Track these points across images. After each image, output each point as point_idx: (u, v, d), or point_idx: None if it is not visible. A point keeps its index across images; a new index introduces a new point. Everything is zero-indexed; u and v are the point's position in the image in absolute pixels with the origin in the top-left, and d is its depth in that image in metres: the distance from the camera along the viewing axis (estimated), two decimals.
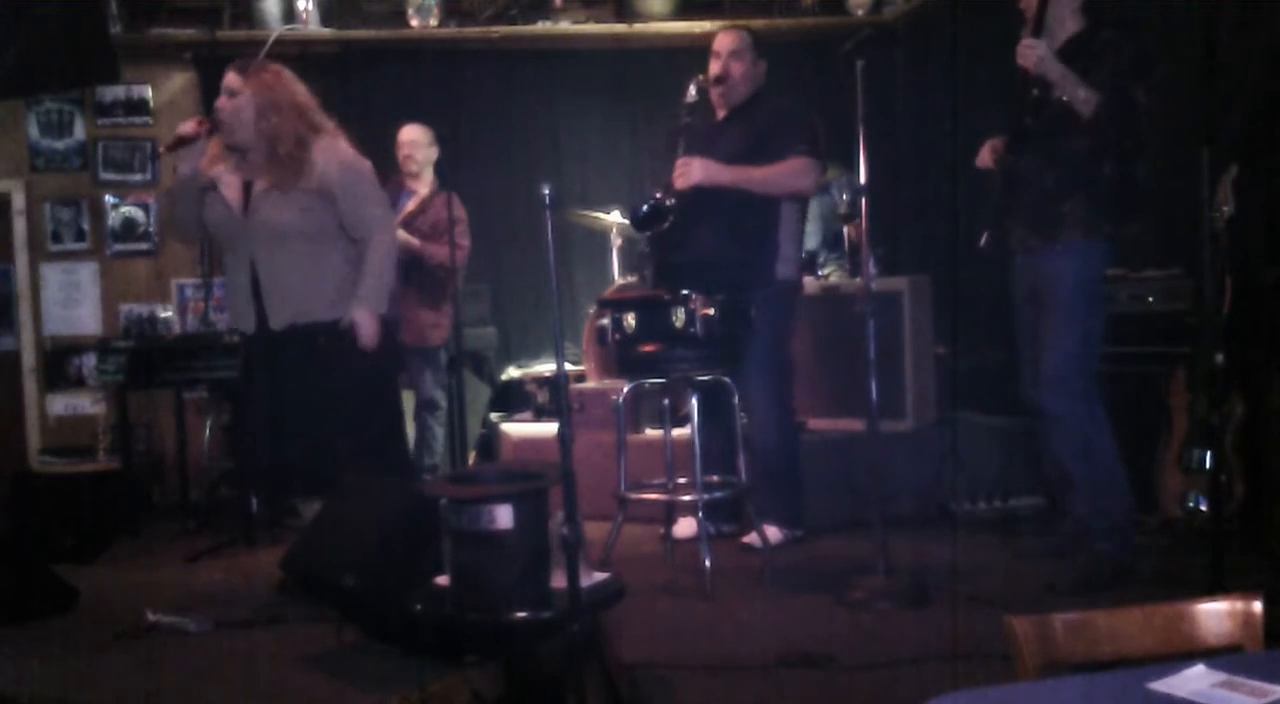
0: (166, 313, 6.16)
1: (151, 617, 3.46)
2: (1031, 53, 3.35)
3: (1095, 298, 3.56)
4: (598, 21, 6.24)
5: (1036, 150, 3.49)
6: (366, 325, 3.77)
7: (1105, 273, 3.66)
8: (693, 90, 4.17)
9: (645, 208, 4.06)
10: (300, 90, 3.85)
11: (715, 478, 4.05)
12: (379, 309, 3.82)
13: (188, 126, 3.81)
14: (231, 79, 3.79)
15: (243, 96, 3.76)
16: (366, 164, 3.88)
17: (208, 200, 3.86)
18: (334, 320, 3.80)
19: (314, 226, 3.77)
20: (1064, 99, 3.36)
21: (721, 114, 4.31)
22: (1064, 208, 3.48)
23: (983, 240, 3.59)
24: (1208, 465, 3.76)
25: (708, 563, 3.59)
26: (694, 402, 3.75)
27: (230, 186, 3.82)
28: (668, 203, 4.07)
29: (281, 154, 3.73)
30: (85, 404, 6.09)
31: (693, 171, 4.09)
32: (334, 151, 3.80)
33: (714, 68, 4.24)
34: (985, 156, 3.67)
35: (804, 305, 4.55)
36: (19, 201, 6.06)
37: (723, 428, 3.99)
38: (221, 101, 3.79)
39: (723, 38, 4.30)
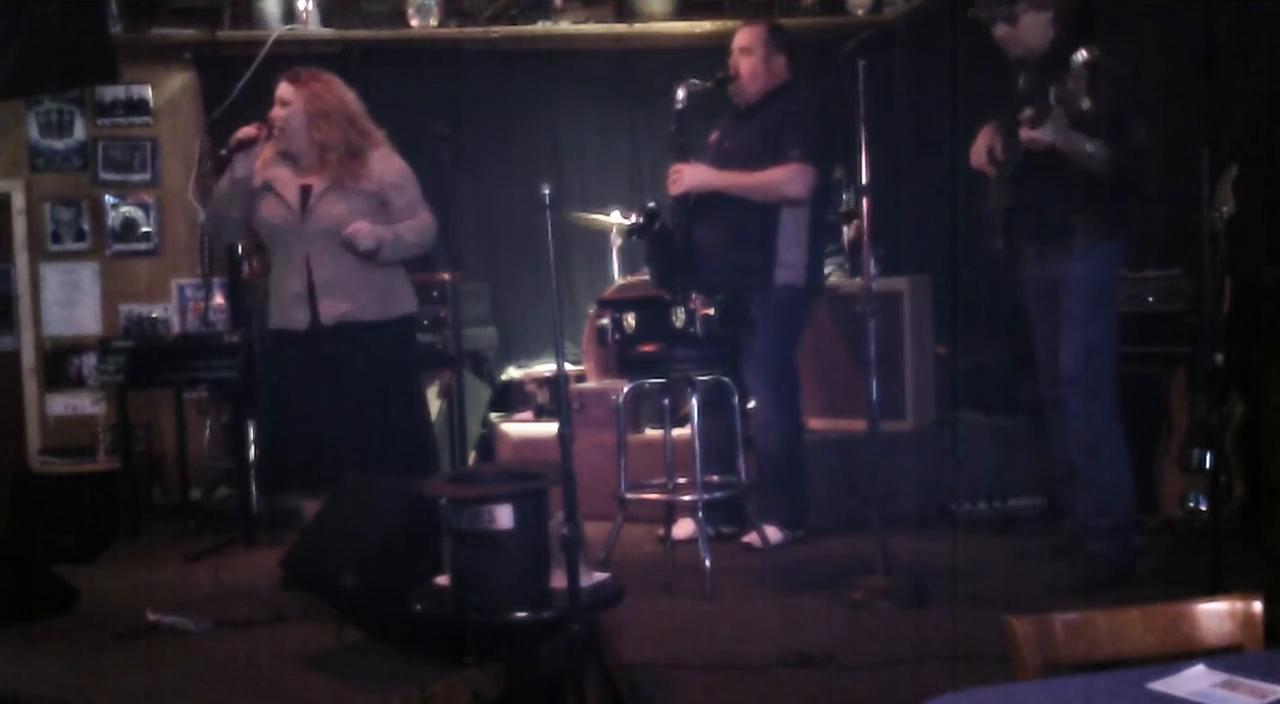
0: (166, 313, 6.16)
1: (151, 617, 3.46)
2: (1041, 141, 3.36)
3: (1109, 299, 3.59)
4: (598, 21, 6.23)
5: (1040, 175, 3.50)
6: (365, 234, 3.75)
7: (1118, 274, 3.69)
8: (681, 94, 4.17)
9: (638, 221, 4.09)
10: (350, 98, 3.96)
11: (715, 478, 4.05)
12: (384, 249, 3.80)
13: (247, 130, 3.90)
14: (284, 89, 3.91)
15: (294, 106, 3.86)
16: (413, 174, 3.99)
17: (262, 201, 3.94)
18: (381, 321, 3.88)
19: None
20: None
21: (742, 109, 4.34)
22: (1073, 220, 3.51)
23: (999, 245, 3.62)
24: (1208, 465, 3.76)
25: (708, 563, 3.59)
26: (694, 401, 3.75)
27: (288, 187, 3.90)
28: (650, 205, 4.11)
29: (333, 160, 3.84)
30: (85, 404, 6.09)
31: (683, 177, 4.14)
32: (390, 160, 3.93)
33: (730, 64, 4.28)
34: (980, 156, 3.67)
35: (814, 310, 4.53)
36: (19, 201, 6.05)
37: (724, 427, 3.99)
38: (275, 111, 3.90)
39: (737, 34, 4.36)
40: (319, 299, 3.85)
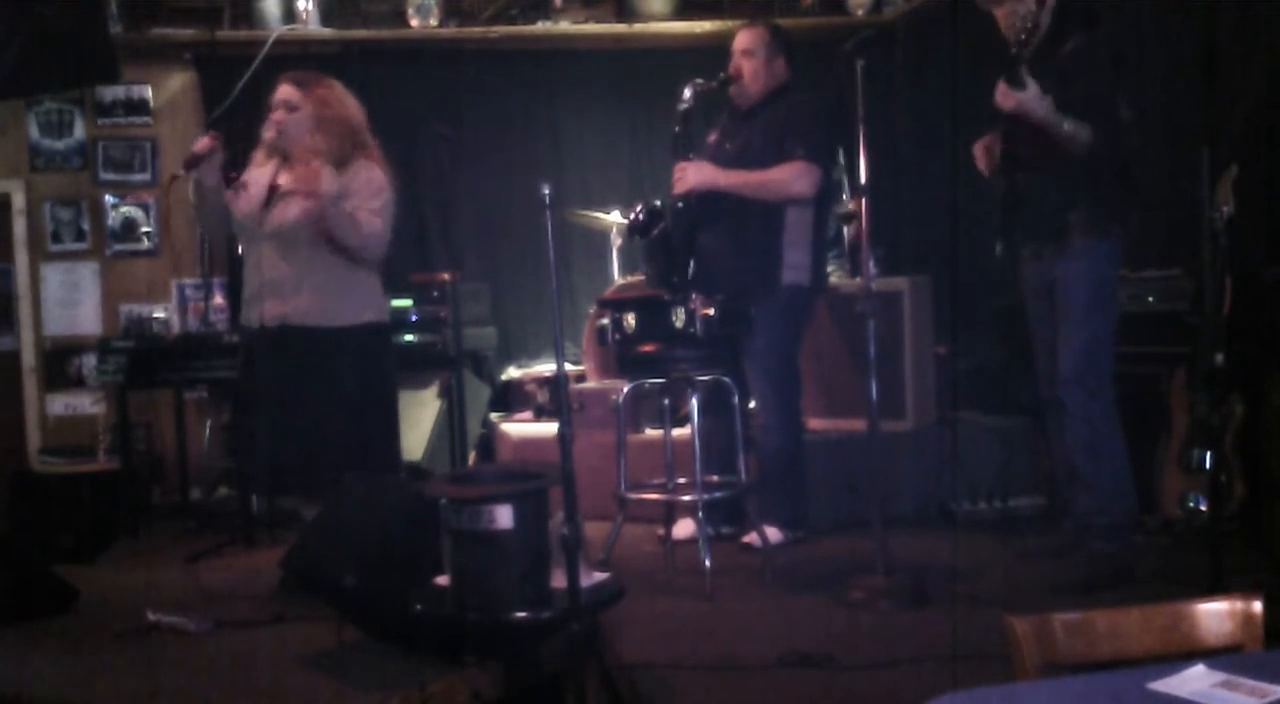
0: (166, 313, 6.16)
1: (151, 617, 3.46)
2: (1010, 100, 3.36)
3: (1108, 297, 3.58)
4: (598, 21, 6.23)
5: (1034, 171, 3.50)
6: (326, 177, 3.67)
7: (1117, 271, 3.68)
8: (687, 94, 4.18)
9: (639, 218, 4.08)
10: (355, 108, 3.90)
11: (715, 478, 4.05)
12: (330, 208, 3.69)
13: (201, 143, 3.84)
14: (289, 92, 3.81)
15: (302, 111, 3.79)
16: (389, 191, 3.85)
17: (237, 198, 3.91)
18: (327, 327, 3.80)
19: (320, 229, 3.77)
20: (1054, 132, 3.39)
21: (742, 110, 4.34)
22: (1070, 217, 3.50)
23: (998, 249, 3.62)
24: (1208, 465, 3.76)
25: (708, 563, 3.59)
26: (694, 402, 3.75)
27: (259, 185, 3.86)
28: (656, 204, 4.11)
29: (318, 165, 3.74)
30: (85, 404, 6.09)
31: (688, 176, 4.14)
32: (369, 172, 3.81)
33: (731, 66, 4.27)
34: (981, 160, 3.68)
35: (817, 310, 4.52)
36: (19, 201, 6.05)
37: (724, 427, 3.98)
38: (279, 115, 3.81)
39: (738, 36, 4.36)
40: (265, 299, 3.81)
